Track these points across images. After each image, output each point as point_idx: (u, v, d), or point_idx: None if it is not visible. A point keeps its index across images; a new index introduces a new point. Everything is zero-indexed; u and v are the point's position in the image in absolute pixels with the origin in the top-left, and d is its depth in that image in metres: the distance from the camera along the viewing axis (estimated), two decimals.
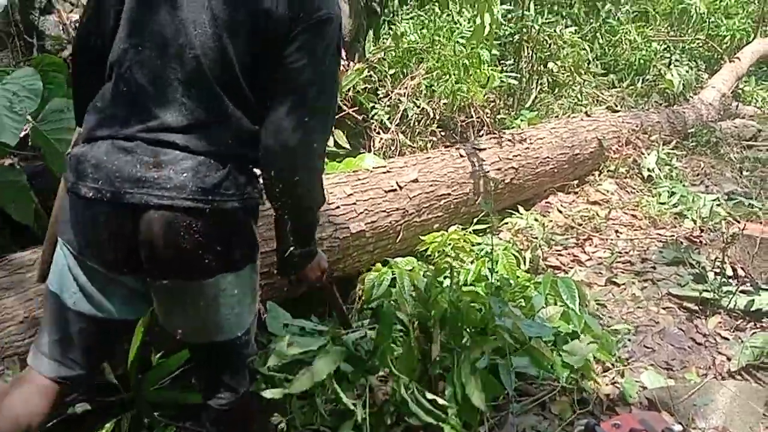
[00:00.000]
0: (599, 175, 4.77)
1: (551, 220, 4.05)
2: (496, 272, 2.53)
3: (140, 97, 1.36)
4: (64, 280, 1.46)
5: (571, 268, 3.49)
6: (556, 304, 2.60)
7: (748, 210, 4.08)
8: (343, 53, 3.61)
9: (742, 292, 3.02)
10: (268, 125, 1.39)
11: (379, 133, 3.75)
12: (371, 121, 3.83)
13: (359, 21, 4.00)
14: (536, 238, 3.47)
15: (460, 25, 4.41)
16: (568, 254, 3.69)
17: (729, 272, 3.18)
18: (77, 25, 1.54)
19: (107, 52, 1.43)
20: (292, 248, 1.59)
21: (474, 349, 1.93)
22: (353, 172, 3.08)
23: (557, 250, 3.71)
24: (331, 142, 3.46)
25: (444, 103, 4.20)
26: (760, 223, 3.61)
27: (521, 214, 3.76)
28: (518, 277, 2.81)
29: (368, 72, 3.81)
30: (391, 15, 4.54)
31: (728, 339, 2.82)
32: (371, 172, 3.09)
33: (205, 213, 1.33)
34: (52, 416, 1.52)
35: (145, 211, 1.31)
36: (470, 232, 3.29)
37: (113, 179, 1.31)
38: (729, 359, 2.66)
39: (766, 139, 6.70)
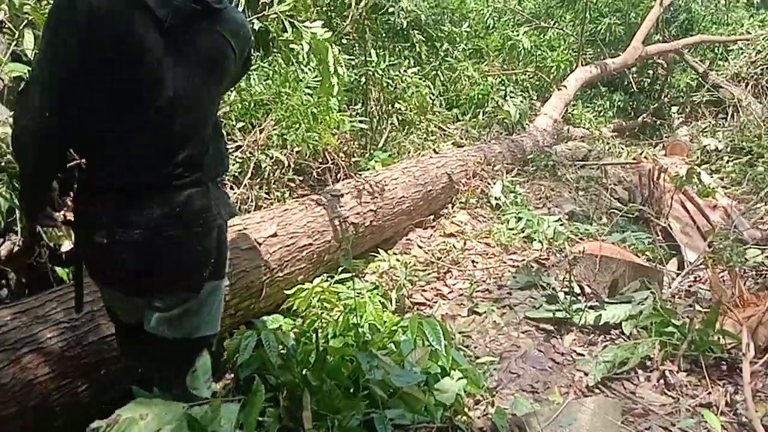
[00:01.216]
0: (452, 208, 5.00)
1: (413, 256, 4.17)
2: (361, 324, 2.53)
3: None
4: None
5: (435, 302, 3.59)
6: (423, 344, 2.64)
7: (586, 228, 4.45)
8: None
9: (590, 307, 3.26)
10: None
11: (232, 188, 3.66)
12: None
13: None
14: (399, 278, 3.53)
15: (306, 74, 4.47)
16: (432, 289, 3.80)
17: (577, 290, 3.42)
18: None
19: None
20: None
21: (346, 410, 1.91)
22: None
23: (421, 287, 3.80)
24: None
25: (297, 151, 4.21)
26: (597, 240, 3.94)
27: (383, 256, 3.82)
28: (385, 321, 2.83)
29: None
30: None
31: (583, 355, 3.02)
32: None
33: None
34: None
35: None
36: (336, 282, 3.27)
37: None
38: (586, 374, 2.84)
39: (596, 158, 7.39)
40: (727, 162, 8.34)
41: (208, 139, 1.75)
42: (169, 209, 1.63)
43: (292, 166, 4.16)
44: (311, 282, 3.19)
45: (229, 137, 3.92)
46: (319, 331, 2.21)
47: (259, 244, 3.03)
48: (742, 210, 6.43)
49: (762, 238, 4.99)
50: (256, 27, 3.66)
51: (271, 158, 3.94)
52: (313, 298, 3.08)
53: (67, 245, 2.30)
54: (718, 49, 12.03)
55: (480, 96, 8.10)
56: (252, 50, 1.87)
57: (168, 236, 1.64)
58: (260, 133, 3.94)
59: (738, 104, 9.62)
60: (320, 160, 4.46)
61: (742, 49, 11.08)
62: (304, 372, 1.98)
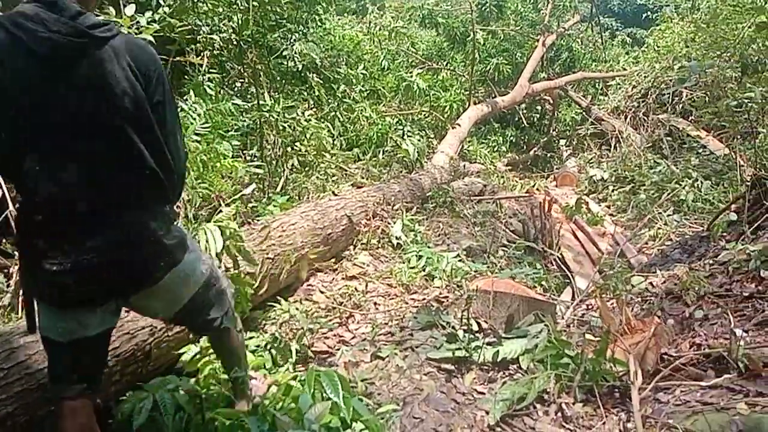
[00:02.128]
0: (354, 249, 4.97)
1: (315, 302, 4.08)
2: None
3: None
4: None
5: (338, 349, 3.51)
6: (322, 397, 2.56)
7: (480, 264, 4.54)
8: None
9: (488, 344, 3.28)
10: None
11: None
12: None
13: None
14: (301, 327, 3.43)
15: (195, 120, 4.35)
16: (334, 335, 3.72)
17: (475, 327, 3.45)
18: None
19: None
20: None
21: None
22: None
23: (323, 334, 3.71)
24: None
25: (187, 200, 4.05)
26: (490, 276, 4.01)
27: (282, 306, 3.71)
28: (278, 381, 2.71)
29: None
30: None
31: (484, 393, 3.02)
32: None
33: None
34: None
35: None
36: None
37: None
38: (487, 413, 2.84)
39: (491, 193, 7.64)
40: (612, 191, 8.88)
41: None
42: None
43: (180, 215, 3.99)
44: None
45: None
46: (204, 396, 2.07)
47: None
48: (629, 236, 6.83)
49: (647, 264, 5.29)
50: None
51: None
52: (208, 356, 2.93)
53: None
54: (598, 85, 12.94)
55: (378, 135, 8.24)
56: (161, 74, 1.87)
57: None
58: None
59: (619, 135, 10.31)
60: (212, 209, 4.31)
61: (619, 84, 11.95)
62: None
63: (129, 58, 1.77)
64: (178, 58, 4.88)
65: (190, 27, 5.02)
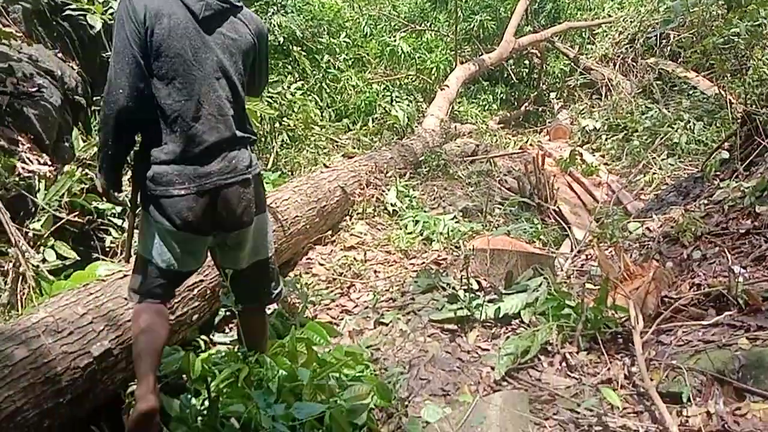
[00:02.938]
0: (350, 220, 4.96)
1: (315, 275, 4.10)
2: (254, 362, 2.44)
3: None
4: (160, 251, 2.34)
5: (342, 319, 3.54)
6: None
7: (480, 222, 4.54)
8: (46, 158, 3.29)
9: (490, 301, 3.30)
10: None
11: (109, 233, 3.45)
12: (98, 222, 3.51)
13: (61, 119, 3.66)
14: (300, 302, 3.45)
15: None
16: (337, 306, 3.75)
17: (475, 286, 3.47)
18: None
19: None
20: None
21: None
22: (84, 287, 2.77)
23: (326, 305, 3.74)
24: (52, 255, 3.11)
25: None
26: (485, 235, 4.01)
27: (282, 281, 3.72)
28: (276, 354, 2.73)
29: (83, 171, 3.49)
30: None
31: (488, 349, 3.05)
32: (105, 281, 2.81)
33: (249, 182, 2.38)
34: None
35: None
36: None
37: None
38: (493, 369, 2.87)
39: (484, 152, 7.60)
40: (606, 140, 8.83)
41: None
42: None
43: None
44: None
45: None
46: (209, 378, 2.09)
47: None
48: (624, 184, 6.82)
49: (644, 209, 5.29)
50: None
51: None
52: None
53: None
54: (585, 34, 12.75)
55: (367, 104, 8.16)
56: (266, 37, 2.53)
57: None
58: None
59: (609, 84, 10.21)
60: None
61: (605, 31, 11.78)
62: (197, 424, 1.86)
63: (251, 24, 2.40)
64: None
65: None
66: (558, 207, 5.83)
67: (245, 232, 2.41)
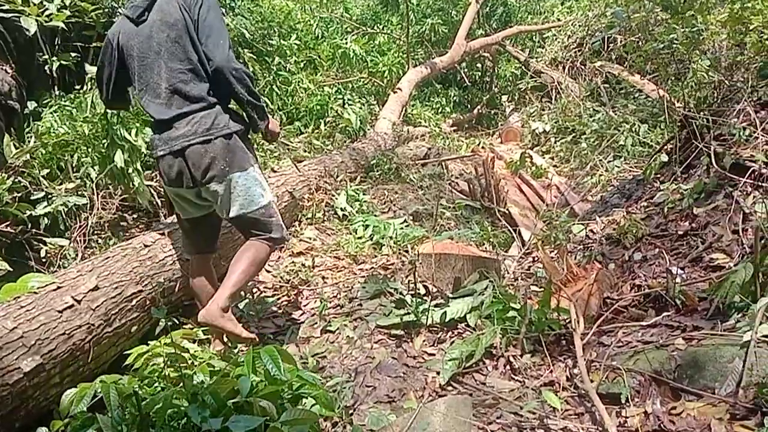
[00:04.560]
0: (299, 225, 4.90)
1: (261, 282, 4.03)
2: (190, 375, 2.37)
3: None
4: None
5: (288, 328, 3.49)
6: (266, 376, 2.52)
7: (431, 226, 4.54)
8: None
9: (436, 306, 3.31)
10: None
11: (43, 243, 3.31)
12: (31, 231, 3.38)
13: None
14: (242, 311, 3.38)
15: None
16: (283, 314, 3.69)
17: (422, 291, 3.46)
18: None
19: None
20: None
21: None
22: (14, 299, 2.65)
23: (272, 313, 3.68)
24: None
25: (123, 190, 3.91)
26: (430, 240, 4.01)
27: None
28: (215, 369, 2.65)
29: (15, 178, 3.35)
30: (37, 108, 4.10)
31: (434, 354, 3.04)
32: (37, 293, 2.69)
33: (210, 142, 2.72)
34: None
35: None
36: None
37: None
38: (438, 374, 2.87)
39: (436, 155, 7.63)
40: (555, 142, 8.98)
41: None
42: None
43: (116, 206, 3.85)
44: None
45: (36, 187, 3.55)
46: (141, 391, 2.02)
47: (78, 302, 2.75)
48: (572, 185, 6.95)
49: (588, 211, 5.39)
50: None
51: (81, 205, 3.60)
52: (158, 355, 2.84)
53: None
54: (535, 38, 12.97)
55: (319, 107, 8.10)
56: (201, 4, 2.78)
57: None
58: (70, 182, 3.58)
59: (558, 87, 10.40)
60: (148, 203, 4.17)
61: (555, 35, 12.00)
62: None
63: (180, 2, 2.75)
64: (97, 44, 4.64)
65: (104, 9, 4.78)
66: (507, 209, 5.89)
67: (216, 186, 2.76)
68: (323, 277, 4.06)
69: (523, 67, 11.90)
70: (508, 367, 2.87)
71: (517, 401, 2.62)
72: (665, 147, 4.68)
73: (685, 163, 4.11)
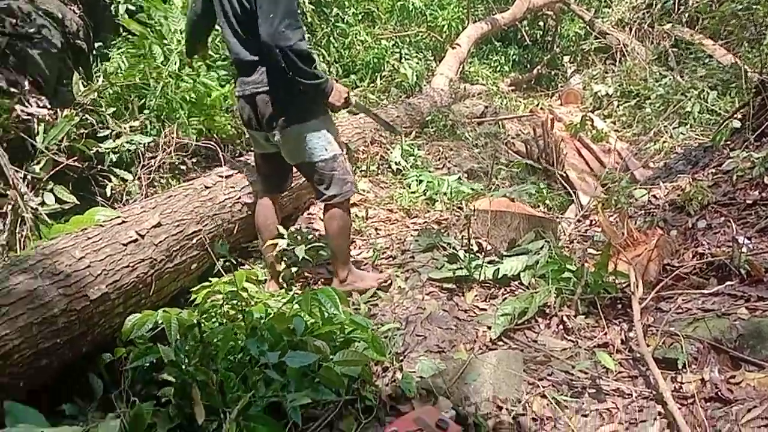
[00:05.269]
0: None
1: (316, 230, 4.07)
2: (249, 311, 2.43)
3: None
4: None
5: None
6: (322, 316, 2.57)
7: (485, 184, 4.49)
8: (45, 101, 3.24)
9: (489, 262, 3.28)
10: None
11: (110, 180, 3.41)
12: (97, 168, 3.48)
13: (62, 63, 3.59)
14: (298, 255, 3.43)
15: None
16: None
17: (475, 247, 3.44)
18: None
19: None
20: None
21: (240, 400, 1.81)
22: (81, 231, 2.76)
23: (325, 260, 3.72)
24: (51, 199, 3.10)
25: (182, 134, 3.98)
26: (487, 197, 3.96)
27: (282, 233, 3.70)
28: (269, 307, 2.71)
29: (83, 116, 3.44)
30: (104, 50, 4.17)
31: (486, 309, 3.04)
32: (103, 227, 2.79)
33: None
34: None
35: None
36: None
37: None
38: (489, 328, 2.87)
39: (493, 114, 7.49)
40: (618, 106, 8.68)
41: None
42: None
43: (173, 149, 3.92)
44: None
45: (102, 125, 3.64)
46: (203, 323, 2.09)
47: (142, 237, 2.85)
48: (634, 151, 6.73)
49: (651, 177, 5.22)
50: None
51: (148, 144, 3.68)
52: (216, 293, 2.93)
53: None
54: None
55: (375, 60, 7.99)
56: None
57: None
58: (135, 120, 3.66)
59: (624, 49, 9.99)
60: (214, 140, 4.23)
61: None
62: (190, 367, 1.86)
63: None
64: None
65: None
66: (565, 172, 5.76)
67: (278, 134, 2.90)
68: (376, 229, 4.08)
69: (587, 27, 11.45)
70: (561, 326, 2.84)
71: (569, 360, 2.60)
72: (737, 113, 4.47)
73: (758, 131, 3.92)
